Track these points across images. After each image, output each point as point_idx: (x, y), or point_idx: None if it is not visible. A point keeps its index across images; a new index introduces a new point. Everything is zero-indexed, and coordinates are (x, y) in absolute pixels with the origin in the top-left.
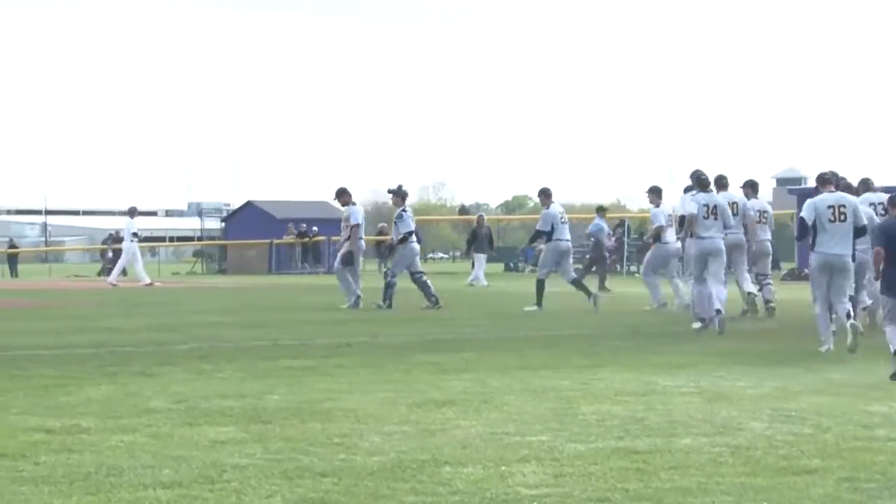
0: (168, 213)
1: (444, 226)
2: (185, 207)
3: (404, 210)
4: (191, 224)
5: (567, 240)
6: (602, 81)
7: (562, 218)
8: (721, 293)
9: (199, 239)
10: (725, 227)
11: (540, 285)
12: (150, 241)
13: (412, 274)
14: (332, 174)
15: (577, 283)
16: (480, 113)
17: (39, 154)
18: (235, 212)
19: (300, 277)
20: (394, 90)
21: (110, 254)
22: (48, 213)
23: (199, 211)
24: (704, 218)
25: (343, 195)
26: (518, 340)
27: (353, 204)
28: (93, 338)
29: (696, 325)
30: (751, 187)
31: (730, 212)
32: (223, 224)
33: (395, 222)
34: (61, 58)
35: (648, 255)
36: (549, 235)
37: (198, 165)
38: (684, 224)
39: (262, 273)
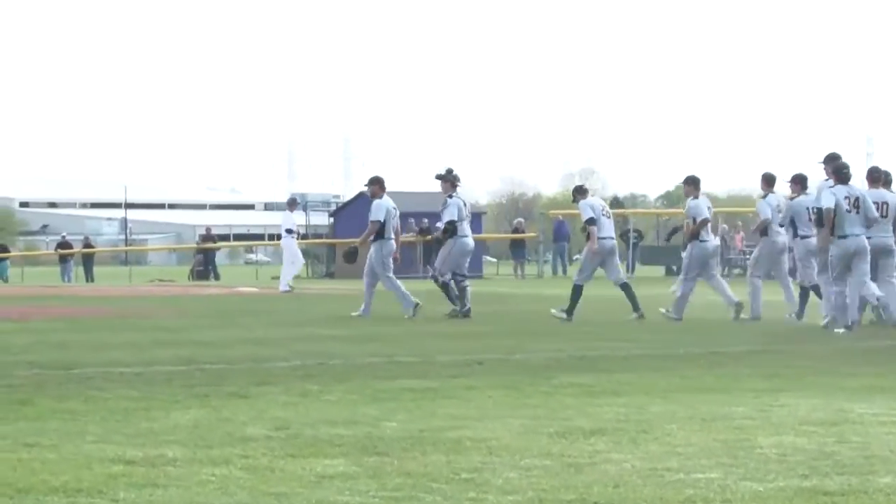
0: (267, 207)
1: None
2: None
3: (451, 196)
4: (293, 219)
5: (611, 237)
6: (777, 59)
7: (604, 211)
8: (870, 292)
9: (304, 237)
10: (869, 225)
11: (576, 291)
12: (244, 239)
13: (453, 275)
14: (460, 161)
15: (626, 287)
16: (637, 90)
17: (119, 140)
18: (346, 204)
19: (422, 283)
20: (531, 65)
21: (200, 255)
22: (128, 206)
23: (303, 204)
24: (847, 212)
25: (374, 184)
26: (679, 358)
27: (380, 197)
28: (180, 353)
29: (840, 330)
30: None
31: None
32: (331, 219)
33: (441, 211)
34: (143, 36)
35: (756, 252)
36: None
37: (301, 151)
38: (821, 219)
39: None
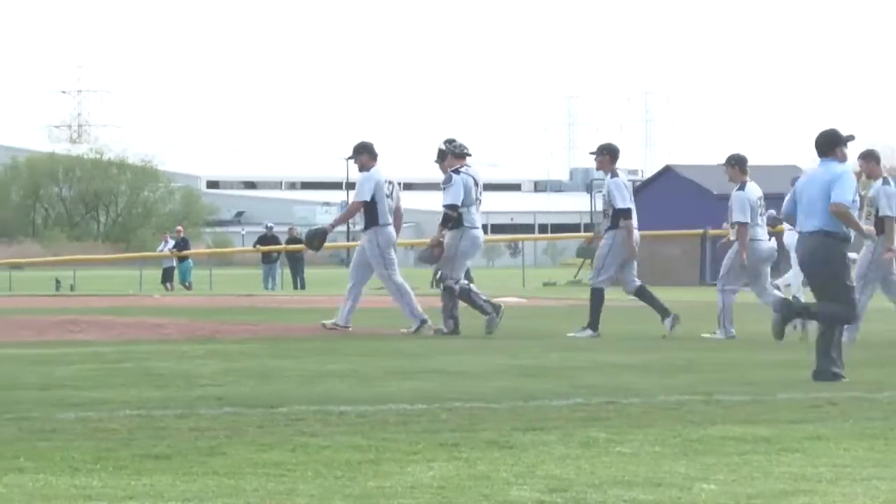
0: (538, 188)
1: None
2: (566, 177)
3: (456, 171)
4: (574, 203)
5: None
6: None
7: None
8: None
9: (589, 228)
10: None
11: (597, 297)
12: (507, 230)
13: (439, 277)
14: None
15: (643, 293)
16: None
17: (338, 103)
18: (647, 183)
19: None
20: None
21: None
22: (351, 187)
23: (587, 184)
24: None
25: (360, 154)
26: None
27: (367, 169)
28: (420, 386)
29: None
30: None
31: None
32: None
33: (442, 190)
34: None
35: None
36: (614, 221)
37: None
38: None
39: (688, 283)
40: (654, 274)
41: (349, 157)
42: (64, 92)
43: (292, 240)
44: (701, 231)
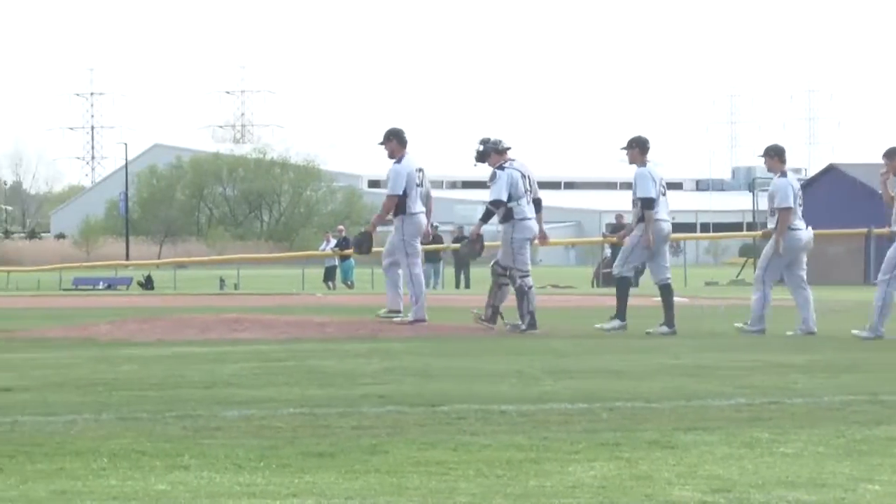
0: (699, 187)
1: None
2: (727, 176)
3: (502, 167)
4: (736, 202)
5: (668, 220)
6: None
7: (661, 186)
8: None
9: (752, 227)
10: None
11: (623, 286)
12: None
13: (502, 268)
14: None
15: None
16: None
17: (491, 97)
18: (811, 181)
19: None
20: None
21: (608, 251)
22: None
23: (749, 182)
24: None
25: (390, 141)
26: None
27: (399, 161)
28: (581, 386)
29: None
30: None
31: None
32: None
33: (488, 187)
34: None
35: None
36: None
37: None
38: None
39: (853, 282)
40: (818, 273)
41: (380, 143)
42: (228, 92)
43: (459, 239)
44: (865, 230)
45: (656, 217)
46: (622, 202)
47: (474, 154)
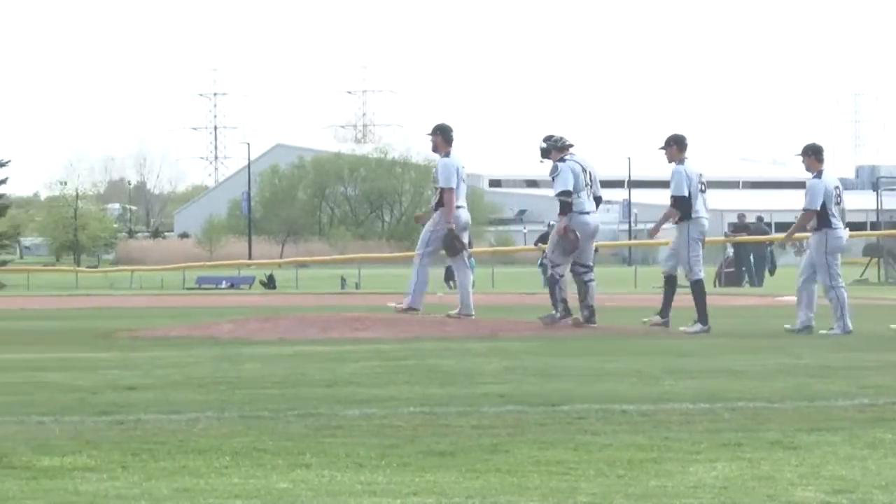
0: None
1: None
2: (851, 175)
3: (563, 159)
4: (859, 201)
5: (706, 217)
6: None
7: (699, 183)
8: None
9: (876, 226)
10: None
11: (698, 289)
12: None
13: (572, 266)
14: None
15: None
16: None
17: (622, 103)
18: None
19: None
20: None
21: (730, 251)
22: (633, 185)
23: (873, 182)
24: None
25: (436, 135)
26: None
27: (447, 156)
28: (702, 385)
29: None
30: None
31: None
32: None
33: (552, 181)
34: None
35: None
36: (685, 209)
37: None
38: None
39: None
40: None
41: (427, 133)
42: (349, 92)
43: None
44: None
45: (696, 214)
46: (745, 201)
47: (538, 151)
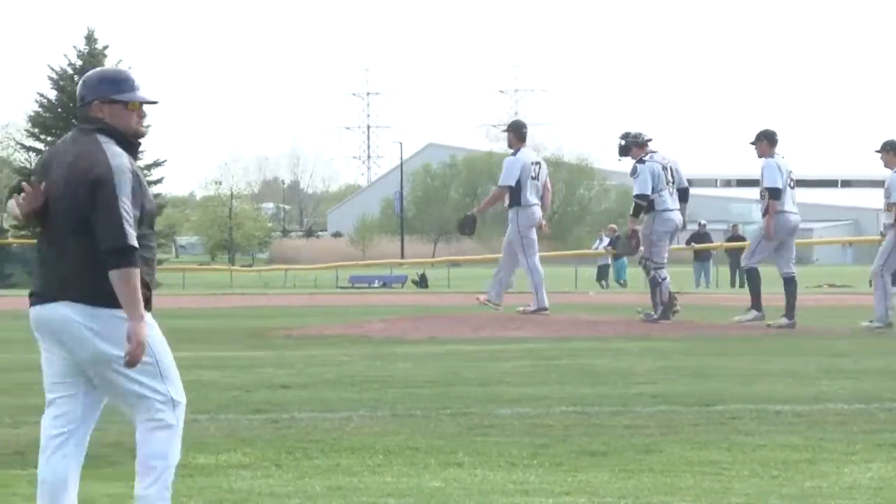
0: None
1: None
2: None
3: (643, 160)
4: None
5: (795, 212)
6: None
7: (789, 179)
8: None
9: None
10: None
11: (752, 278)
12: None
13: (644, 262)
14: None
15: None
16: None
17: (760, 104)
18: None
19: None
20: None
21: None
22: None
23: None
24: None
25: (509, 132)
26: None
27: (515, 153)
28: (858, 386)
29: None
30: None
31: None
32: None
33: (633, 180)
34: None
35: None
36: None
37: None
38: None
39: None
40: None
41: (503, 130)
42: (501, 91)
43: (734, 237)
44: None
45: (783, 209)
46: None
47: (617, 149)
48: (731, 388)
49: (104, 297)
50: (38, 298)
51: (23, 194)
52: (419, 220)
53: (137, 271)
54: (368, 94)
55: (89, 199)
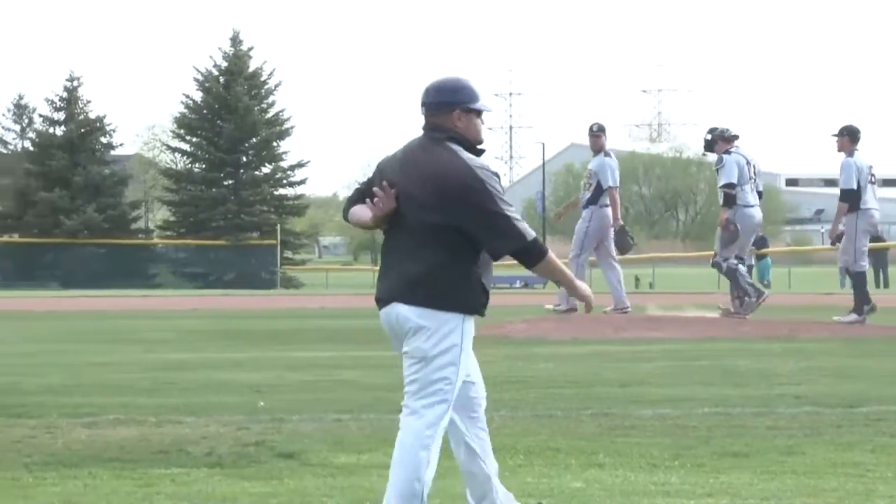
0: None
1: None
2: None
3: (728, 151)
4: None
5: (876, 208)
6: None
7: (869, 175)
8: None
9: None
10: None
11: (859, 281)
12: None
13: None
14: None
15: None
16: None
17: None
18: None
19: None
20: None
21: None
22: None
23: None
24: None
25: (591, 135)
26: None
27: (609, 154)
28: None
29: None
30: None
31: None
32: None
33: (717, 172)
34: None
35: None
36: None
37: None
38: None
39: None
40: None
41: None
42: (644, 91)
43: (875, 238)
44: None
45: (864, 206)
46: None
47: (703, 143)
48: (875, 389)
49: (446, 301)
50: (383, 303)
51: (375, 199)
52: (561, 220)
53: (551, 255)
54: (511, 94)
55: (463, 209)
